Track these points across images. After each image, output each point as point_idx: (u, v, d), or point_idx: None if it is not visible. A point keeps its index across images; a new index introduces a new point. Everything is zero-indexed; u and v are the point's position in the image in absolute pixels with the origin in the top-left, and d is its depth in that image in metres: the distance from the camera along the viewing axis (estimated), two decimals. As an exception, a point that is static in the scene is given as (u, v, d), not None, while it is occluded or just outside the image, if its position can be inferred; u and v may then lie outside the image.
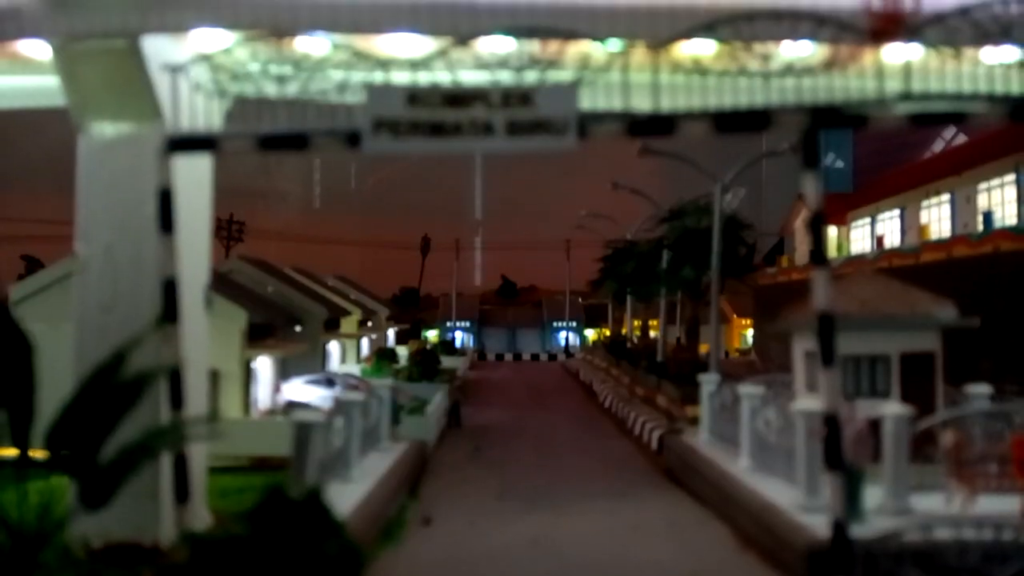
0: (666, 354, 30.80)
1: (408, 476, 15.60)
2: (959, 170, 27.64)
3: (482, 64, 9.17)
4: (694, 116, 8.70)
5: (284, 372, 23.89)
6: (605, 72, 9.23)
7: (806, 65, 9.37)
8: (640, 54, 9.37)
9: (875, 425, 11.11)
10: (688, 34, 9.19)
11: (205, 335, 10.80)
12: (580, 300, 64.84)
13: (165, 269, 8.46)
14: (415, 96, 8.55)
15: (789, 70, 9.40)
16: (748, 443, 14.26)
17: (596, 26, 9.50)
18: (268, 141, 8.86)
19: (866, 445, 10.67)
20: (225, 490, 13.19)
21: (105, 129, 9.99)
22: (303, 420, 11.13)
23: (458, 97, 8.69)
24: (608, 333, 53.03)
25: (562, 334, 62.57)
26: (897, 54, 9.28)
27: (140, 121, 9.75)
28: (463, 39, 9.08)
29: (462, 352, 49.19)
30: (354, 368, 31.96)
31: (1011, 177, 24.70)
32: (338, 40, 9.26)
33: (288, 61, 9.19)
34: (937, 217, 29.78)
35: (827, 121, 8.68)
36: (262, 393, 21.82)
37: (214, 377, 17.30)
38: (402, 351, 39.48)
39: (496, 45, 9.40)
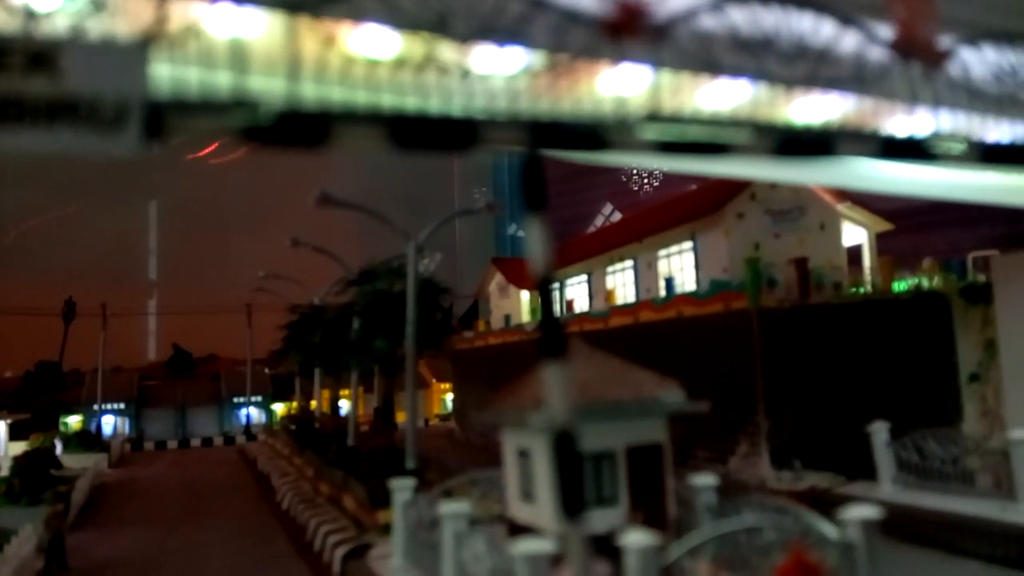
0: (358, 436, 26.90)
1: None
2: (640, 237, 28.36)
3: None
4: (361, 118, 5.32)
5: None
6: (200, 40, 5.54)
7: (526, 69, 6.59)
8: (279, 26, 5.83)
9: (606, 541, 8.63)
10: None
11: None
12: (267, 371, 58.06)
13: None
14: None
15: (502, 78, 6.55)
16: (452, 576, 10.96)
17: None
18: None
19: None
20: None
21: None
22: None
23: None
24: (295, 407, 47.49)
25: (244, 411, 55.08)
26: (640, 73, 6.90)
27: None
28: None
29: (106, 444, 39.77)
30: (-80, 488, 22.71)
31: (688, 244, 25.61)
32: None
33: None
34: (622, 282, 30.38)
35: (553, 140, 5.88)
36: None
37: None
38: (18, 450, 30.07)
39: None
